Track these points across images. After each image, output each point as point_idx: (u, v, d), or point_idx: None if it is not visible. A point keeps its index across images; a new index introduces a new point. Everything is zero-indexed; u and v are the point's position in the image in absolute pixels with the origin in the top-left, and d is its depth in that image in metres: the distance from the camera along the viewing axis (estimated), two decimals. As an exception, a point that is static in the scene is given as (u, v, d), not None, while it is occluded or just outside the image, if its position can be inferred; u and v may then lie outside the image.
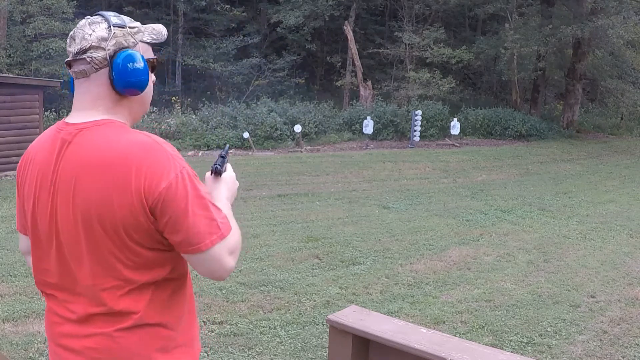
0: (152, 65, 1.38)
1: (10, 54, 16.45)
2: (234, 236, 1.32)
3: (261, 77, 20.79)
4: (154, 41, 1.37)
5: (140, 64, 1.30)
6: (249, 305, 4.82)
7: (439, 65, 20.53)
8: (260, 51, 22.51)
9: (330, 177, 11.54)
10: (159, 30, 1.38)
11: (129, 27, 1.33)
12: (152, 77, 1.39)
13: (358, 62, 19.78)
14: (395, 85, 20.34)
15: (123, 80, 1.29)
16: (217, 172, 1.47)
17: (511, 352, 3.82)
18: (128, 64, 1.28)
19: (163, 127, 14.82)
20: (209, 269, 1.28)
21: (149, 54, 1.37)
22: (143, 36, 1.36)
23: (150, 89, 1.38)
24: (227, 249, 1.28)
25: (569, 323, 4.68)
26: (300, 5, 20.93)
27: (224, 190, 1.44)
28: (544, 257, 6.55)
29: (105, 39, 1.29)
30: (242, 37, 21.58)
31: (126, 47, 1.30)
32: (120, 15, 1.36)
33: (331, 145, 15.80)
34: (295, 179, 11.12)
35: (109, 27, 1.30)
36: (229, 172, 1.51)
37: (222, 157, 1.51)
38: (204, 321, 4.43)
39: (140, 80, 1.31)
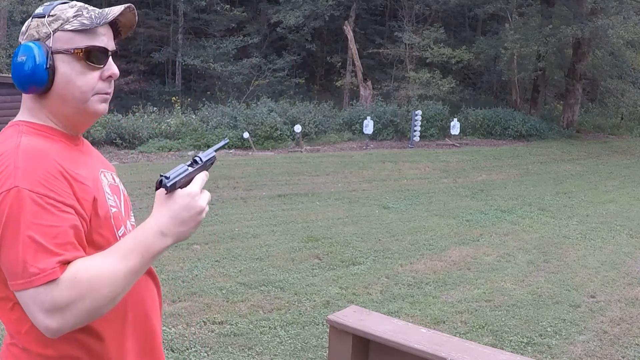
0: (83, 54, 1.20)
1: (10, 54, 16.44)
2: (58, 291, 0.99)
3: (261, 77, 20.79)
4: (85, 27, 1.20)
5: (28, 58, 1.15)
6: (249, 305, 4.82)
7: (439, 65, 20.54)
8: (260, 51, 22.51)
9: (330, 177, 11.54)
10: (97, 13, 1.23)
11: (48, 16, 1.20)
12: (76, 67, 1.20)
13: (358, 62, 19.78)
14: (395, 85, 20.34)
15: (14, 77, 1.20)
16: (163, 186, 1.10)
17: (511, 352, 3.82)
18: (17, 59, 1.18)
19: (163, 127, 14.82)
20: (30, 315, 1.03)
21: (76, 43, 1.19)
22: (64, 24, 1.20)
23: (68, 83, 1.19)
24: (37, 303, 0.99)
25: (569, 323, 4.68)
26: (300, 5, 20.92)
27: (162, 219, 1.10)
28: (544, 257, 6.55)
29: (23, 33, 1.23)
30: (242, 37, 21.59)
31: (36, 39, 1.19)
32: (66, 2, 1.24)
33: (331, 145, 15.80)
34: (295, 179, 11.12)
35: (30, 18, 1.23)
36: (190, 189, 1.14)
37: (198, 161, 1.21)
38: (204, 321, 4.43)
39: (27, 75, 1.16)
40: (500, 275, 5.87)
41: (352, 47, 19.90)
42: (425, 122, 16.87)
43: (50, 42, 1.20)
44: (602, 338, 4.42)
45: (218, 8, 21.61)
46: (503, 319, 4.71)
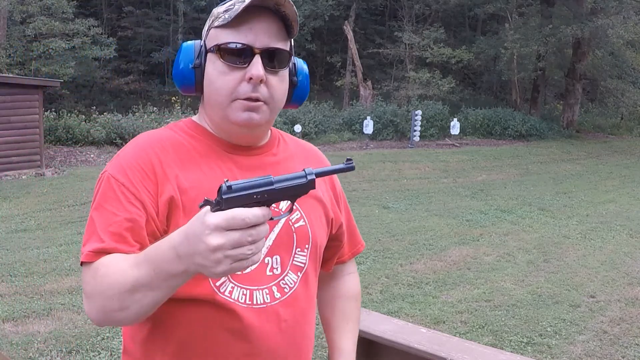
0: (221, 52, 1.10)
1: (10, 54, 16.45)
2: (87, 277, 1.00)
3: (261, 77, 20.78)
4: (225, 21, 1.11)
5: (178, 56, 1.15)
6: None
7: (439, 65, 20.55)
8: (260, 51, 22.51)
9: (330, 177, 11.54)
10: (232, 6, 1.11)
11: (211, 14, 1.18)
12: (218, 66, 1.10)
13: (358, 62, 19.78)
14: (395, 85, 20.35)
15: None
16: (208, 203, 0.86)
17: (511, 352, 3.82)
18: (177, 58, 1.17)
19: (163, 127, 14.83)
20: None
21: (221, 39, 1.10)
22: (214, 20, 1.15)
23: (210, 84, 1.12)
24: (84, 281, 1.02)
25: (569, 323, 4.68)
26: (300, 5, 20.93)
27: (179, 235, 0.88)
28: (544, 257, 6.55)
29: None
30: (242, 37, 21.57)
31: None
32: None
33: (331, 145, 15.80)
34: (295, 179, 11.12)
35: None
36: (208, 217, 0.83)
37: (250, 190, 0.87)
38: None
39: (176, 74, 1.16)
40: (500, 275, 5.87)
41: (352, 47, 19.90)
42: (425, 122, 16.87)
43: (205, 41, 1.15)
44: (602, 338, 4.42)
45: (218, 8, 21.59)
46: (503, 319, 4.71)
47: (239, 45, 1.08)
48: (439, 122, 17.54)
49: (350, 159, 0.99)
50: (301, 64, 1.23)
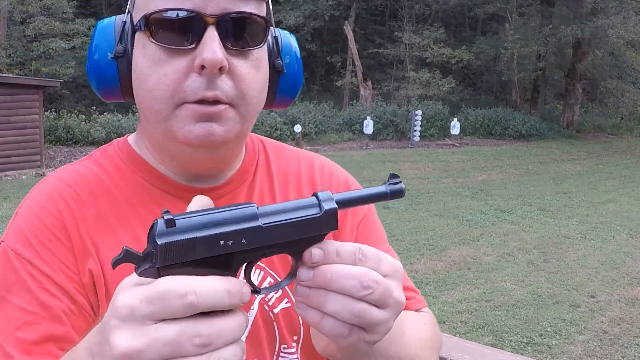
0: (151, 28, 0.70)
1: (10, 54, 16.46)
2: None
3: (261, 77, 20.83)
4: None
5: (94, 44, 0.77)
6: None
7: (439, 65, 20.55)
8: (260, 51, 22.55)
9: (330, 177, 11.55)
10: None
11: None
12: (150, 52, 0.71)
13: (358, 62, 19.79)
14: (395, 85, 20.35)
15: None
16: (129, 259, 0.55)
17: (511, 352, 3.82)
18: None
19: (163, 127, 14.87)
20: None
21: (151, 6, 0.70)
22: None
23: (140, 77, 0.73)
24: None
25: (569, 323, 4.68)
26: (300, 5, 20.93)
27: (93, 330, 0.56)
28: (544, 257, 6.55)
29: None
30: (242, 37, 21.62)
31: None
32: None
33: (331, 145, 15.80)
34: (295, 179, 11.13)
35: None
36: (128, 296, 0.50)
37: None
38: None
39: (90, 69, 0.78)
40: (500, 275, 5.87)
41: (352, 47, 19.91)
42: (425, 122, 16.87)
43: (132, 14, 0.74)
44: (602, 338, 4.42)
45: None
46: (503, 319, 4.70)
47: (179, 14, 0.68)
48: (439, 122, 17.54)
49: (395, 175, 0.62)
50: (287, 38, 0.82)
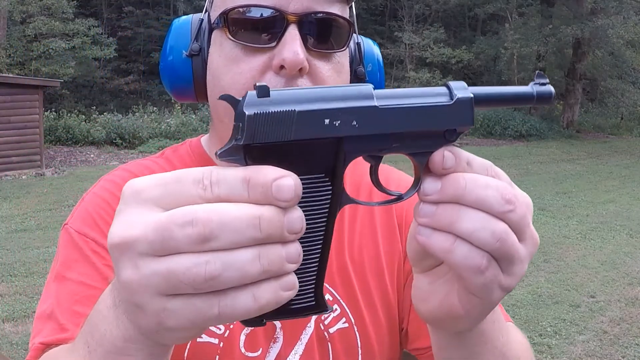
0: (229, 25, 0.69)
1: (10, 54, 16.46)
2: None
3: (261, 77, 20.82)
4: None
5: (169, 43, 0.76)
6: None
7: (439, 65, 20.55)
8: (260, 51, 22.55)
9: (330, 177, 11.56)
10: None
11: None
12: (227, 49, 0.70)
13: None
14: (395, 86, 20.35)
15: None
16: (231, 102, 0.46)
17: (511, 352, 3.82)
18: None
19: (163, 127, 14.84)
20: None
21: (229, 3, 0.69)
22: None
23: (215, 75, 0.72)
24: None
25: (569, 323, 4.68)
26: (300, 5, 20.96)
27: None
28: (544, 257, 6.55)
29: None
30: (242, 37, 21.62)
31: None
32: None
33: (331, 145, 15.83)
34: (295, 179, 11.13)
35: None
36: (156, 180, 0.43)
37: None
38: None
39: (164, 68, 0.77)
40: (500, 275, 5.88)
41: (352, 47, 19.93)
42: (425, 122, 16.89)
43: (210, 12, 0.73)
44: (602, 338, 4.42)
45: (218, 8, 21.65)
46: (503, 319, 4.71)
47: (259, 11, 0.66)
48: (439, 122, 17.57)
49: (542, 74, 0.57)
50: (370, 46, 0.81)
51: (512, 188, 0.48)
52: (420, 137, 0.47)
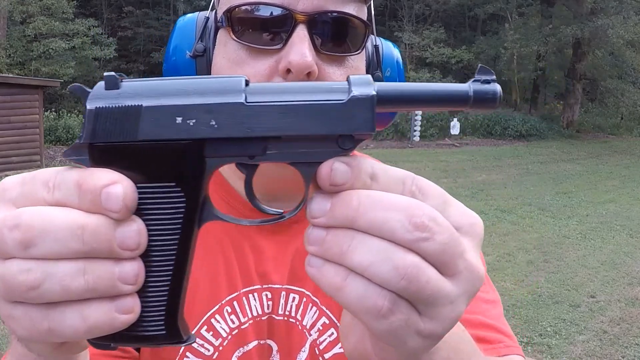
0: (234, 24, 0.65)
1: (10, 54, 16.46)
2: None
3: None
4: None
5: (173, 43, 0.74)
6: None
7: (439, 65, 20.55)
8: (260, 51, 22.55)
9: (330, 177, 11.54)
10: None
11: None
12: (231, 50, 0.65)
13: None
14: (395, 85, 20.37)
15: None
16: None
17: (511, 352, 3.82)
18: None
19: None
20: None
21: (234, 1, 0.65)
22: None
23: (216, 74, 0.68)
24: None
25: (569, 323, 4.68)
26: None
27: None
28: (544, 257, 6.55)
29: None
30: (242, 37, 21.63)
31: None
32: None
33: (331, 145, 15.82)
34: (295, 179, 11.12)
35: None
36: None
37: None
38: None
39: (168, 70, 0.75)
40: (500, 275, 5.87)
41: (352, 47, 19.94)
42: (425, 122, 16.88)
43: (215, 11, 0.69)
44: (602, 338, 4.42)
45: (218, 8, 21.66)
46: (503, 319, 4.71)
47: (265, 9, 0.61)
48: (438, 122, 17.54)
49: (486, 69, 0.44)
50: (390, 48, 0.76)
51: (429, 210, 0.37)
52: (303, 144, 0.37)
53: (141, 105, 0.35)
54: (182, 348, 0.71)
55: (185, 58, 0.68)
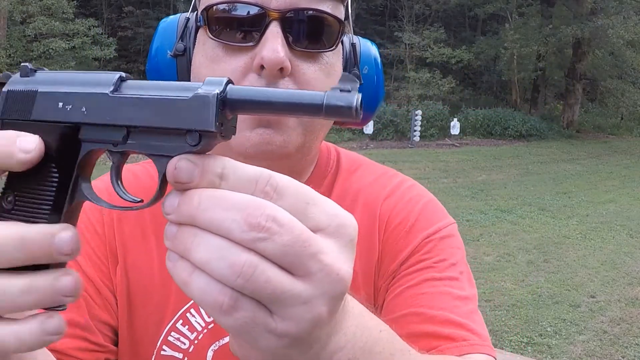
0: (210, 22, 0.67)
1: (10, 54, 16.45)
2: None
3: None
4: None
5: (155, 43, 0.76)
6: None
7: (439, 65, 20.55)
8: (260, 51, 22.55)
9: (330, 177, 11.54)
10: None
11: None
12: (209, 49, 0.67)
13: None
14: (395, 85, 20.35)
15: None
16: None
17: (511, 352, 3.83)
18: None
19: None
20: None
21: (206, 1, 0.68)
22: None
23: (196, 75, 0.69)
24: None
25: (569, 323, 4.68)
26: (300, 5, 20.96)
27: None
28: (544, 257, 6.55)
29: None
30: (242, 37, 21.62)
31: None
32: None
33: (331, 145, 15.81)
34: (295, 179, 11.11)
35: None
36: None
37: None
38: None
39: (150, 69, 0.77)
40: (500, 275, 5.87)
41: (352, 47, 19.93)
42: (425, 122, 16.87)
43: (197, 12, 0.70)
44: (602, 338, 4.42)
45: (218, 8, 21.65)
46: (503, 319, 4.70)
47: (240, 7, 0.63)
48: (439, 122, 17.54)
49: (351, 77, 0.40)
50: (367, 47, 0.76)
51: (273, 209, 0.37)
52: (158, 137, 0.40)
53: (37, 90, 0.42)
54: (159, 342, 0.72)
55: (166, 58, 0.70)
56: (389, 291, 0.72)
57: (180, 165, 0.38)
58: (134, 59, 22.37)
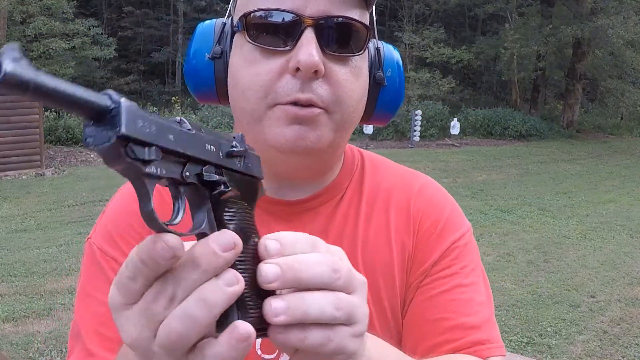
0: (248, 28, 0.70)
1: (10, 54, 16.43)
2: None
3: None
4: None
5: (192, 46, 0.78)
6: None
7: (439, 65, 20.55)
8: (260, 51, 22.56)
9: (330, 177, 11.54)
10: None
11: None
12: (246, 52, 0.71)
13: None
14: (395, 85, 20.36)
15: None
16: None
17: (511, 352, 3.82)
18: None
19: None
20: None
21: (249, 6, 0.71)
22: None
23: (234, 77, 0.73)
24: None
25: (569, 323, 4.68)
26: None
27: None
28: (544, 257, 6.55)
29: None
30: (242, 37, 21.64)
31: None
32: None
33: (331, 145, 15.81)
34: (295, 179, 11.11)
35: None
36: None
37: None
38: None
39: (188, 71, 0.79)
40: (500, 275, 5.87)
41: (352, 47, 19.93)
42: (425, 122, 16.87)
43: (233, 16, 0.75)
44: (602, 338, 4.42)
45: (218, 8, 21.63)
46: (503, 319, 4.70)
47: (277, 14, 0.67)
48: (439, 122, 17.54)
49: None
50: (390, 51, 0.80)
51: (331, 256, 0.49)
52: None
53: None
54: None
55: (204, 60, 0.74)
56: (419, 290, 0.79)
57: (269, 245, 0.47)
58: (133, 59, 22.37)
